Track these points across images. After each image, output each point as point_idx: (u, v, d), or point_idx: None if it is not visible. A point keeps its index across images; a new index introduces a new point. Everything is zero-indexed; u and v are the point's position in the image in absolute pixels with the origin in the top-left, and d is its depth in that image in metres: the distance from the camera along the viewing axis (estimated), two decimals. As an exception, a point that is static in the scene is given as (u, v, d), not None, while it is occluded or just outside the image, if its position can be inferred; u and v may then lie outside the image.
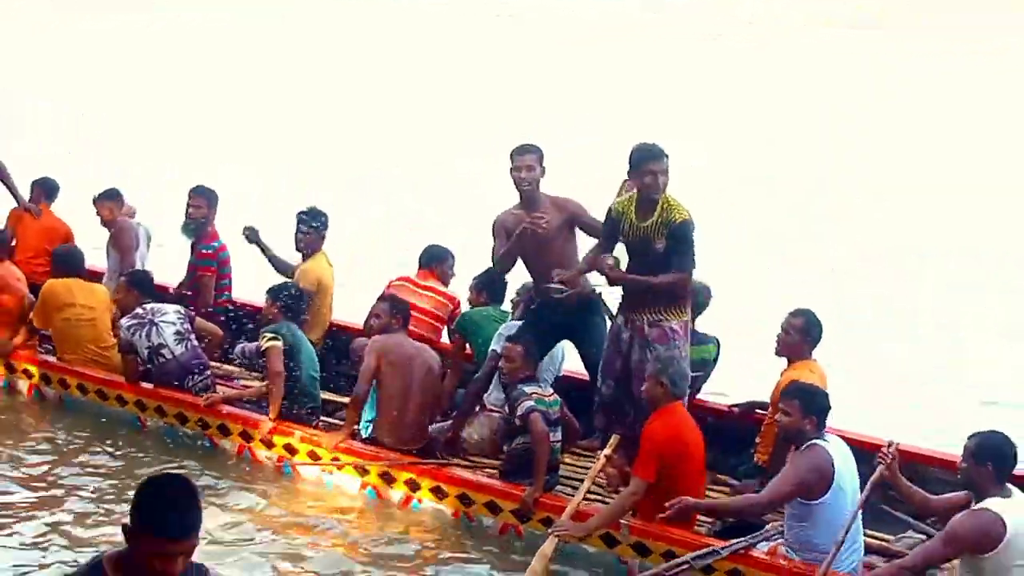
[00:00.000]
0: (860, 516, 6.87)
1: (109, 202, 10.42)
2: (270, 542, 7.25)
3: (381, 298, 8.59)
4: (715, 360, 8.46)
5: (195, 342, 9.22)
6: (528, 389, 7.93)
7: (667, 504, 7.05)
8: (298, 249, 9.45)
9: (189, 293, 9.96)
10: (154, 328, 9.10)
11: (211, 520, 7.13)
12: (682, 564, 7.04)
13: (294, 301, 9.04)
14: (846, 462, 6.92)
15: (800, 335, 7.94)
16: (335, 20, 29.61)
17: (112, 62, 17.65)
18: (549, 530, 7.40)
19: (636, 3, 29.43)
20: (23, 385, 9.62)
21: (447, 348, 8.97)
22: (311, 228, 9.46)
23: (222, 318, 9.61)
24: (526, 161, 8.32)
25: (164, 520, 3.46)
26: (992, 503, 6.28)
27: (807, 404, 7.00)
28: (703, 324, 8.50)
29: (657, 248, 7.91)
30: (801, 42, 29.46)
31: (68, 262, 9.77)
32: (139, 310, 9.16)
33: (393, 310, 8.35)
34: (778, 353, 7.93)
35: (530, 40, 26.43)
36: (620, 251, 8.22)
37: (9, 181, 10.80)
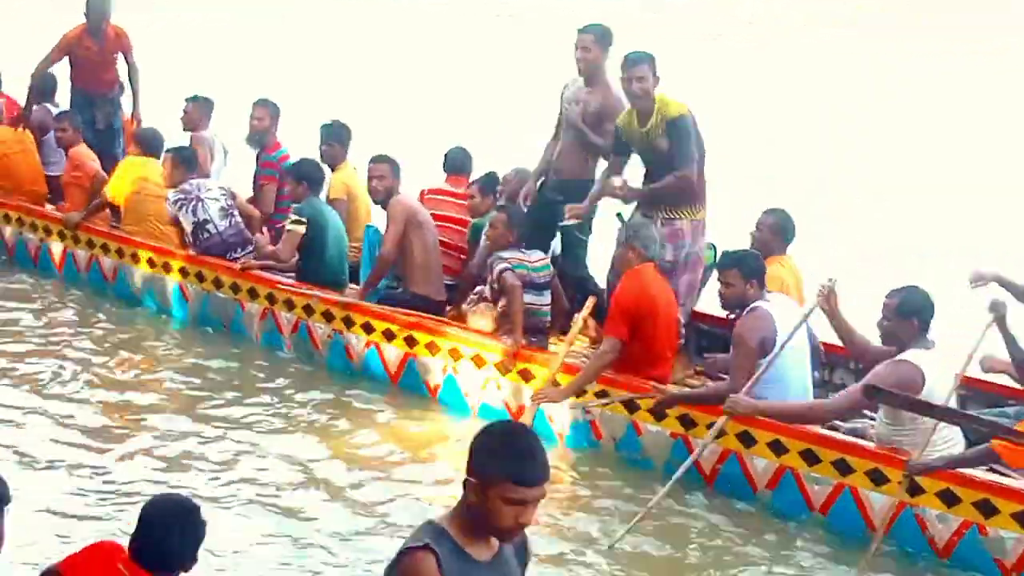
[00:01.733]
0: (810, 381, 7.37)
1: (197, 108, 10.90)
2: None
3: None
4: (712, 265, 8.53)
5: (239, 218, 9.59)
6: (506, 255, 8.31)
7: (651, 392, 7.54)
8: (323, 162, 9.71)
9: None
10: (200, 204, 9.61)
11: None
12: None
13: (312, 170, 9.46)
14: (787, 314, 7.28)
15: (771, 232, 8.32)
16: (334, 20, 29.61)
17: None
18: (530, 398, 7.75)
19: (636, 3, 29.38)
20: (82, 255, 10.40)
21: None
22: (332, 142, 9.81)
23: (281, 224, 9.79)
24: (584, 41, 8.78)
25: (523, 467, 3.39)
26: (911, 354, 6.68)
27: (745, 270, 7.40)
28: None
29: (663, 148, 8.30)
30: (801, 42, 29.42)
31: (149, 142, 10.40)
32: (185, 185, 9.62)
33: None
34: (752, 246, 8.19)
35: (530, 40, 26.47)
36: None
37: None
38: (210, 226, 9.74)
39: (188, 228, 9.77)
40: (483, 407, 8.36)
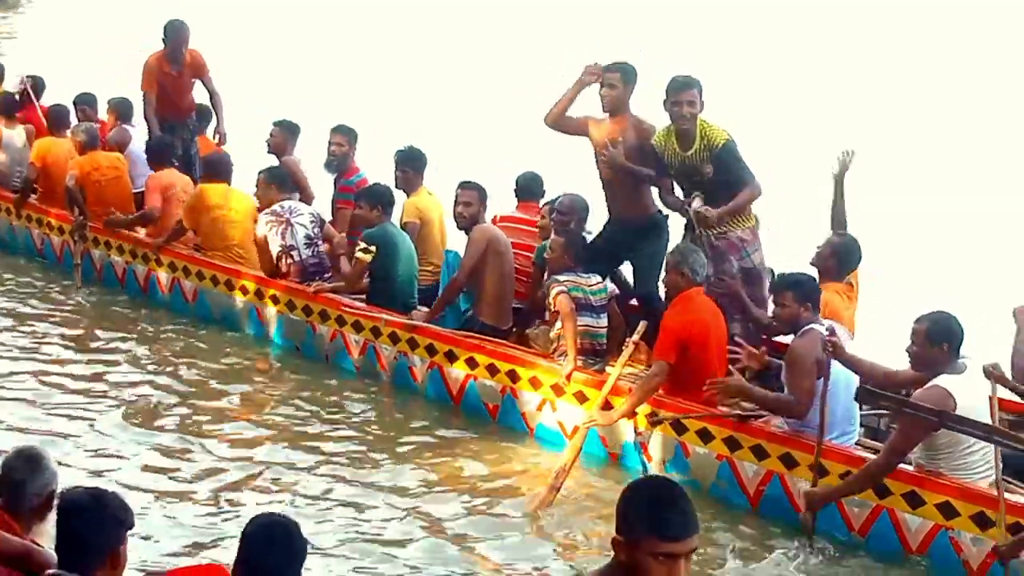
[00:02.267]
0: (854, 400, 7.36)
1: (283, 132, 11.24)
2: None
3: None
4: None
5: (321, 248, 9.96)
6: (562, 278, 8.54)
7: (711, 383, 7.71)
8: (398, 187, 9.94)
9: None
10: (289, 228, 9.87)
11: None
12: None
13: (384, 194, 9.77)
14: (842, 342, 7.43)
15: (831, 255, 8.52)
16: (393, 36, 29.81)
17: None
18: (580, 423, 7.94)
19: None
20: (164, 277, 10.84)
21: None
22: (406, 168, 9.99)
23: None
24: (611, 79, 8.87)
25: (668, 522, 3.37)
26: (942, 380, 6.82)
27: (799, 293, 7.57)
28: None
29: (706, 173, 8.49)
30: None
31: (218, 168, 10.74)
32: (277, 207, 9.86)
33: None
34: (812, 263, 8.51)
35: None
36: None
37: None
38: (294, 253, 10.05)
39: (274, 251, 10.07)
40: (539, 428, 8.63)
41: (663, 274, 8.54)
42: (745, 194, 8.62)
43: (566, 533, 7.37)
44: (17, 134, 12.61)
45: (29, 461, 5.04)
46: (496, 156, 14.59)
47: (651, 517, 3.37)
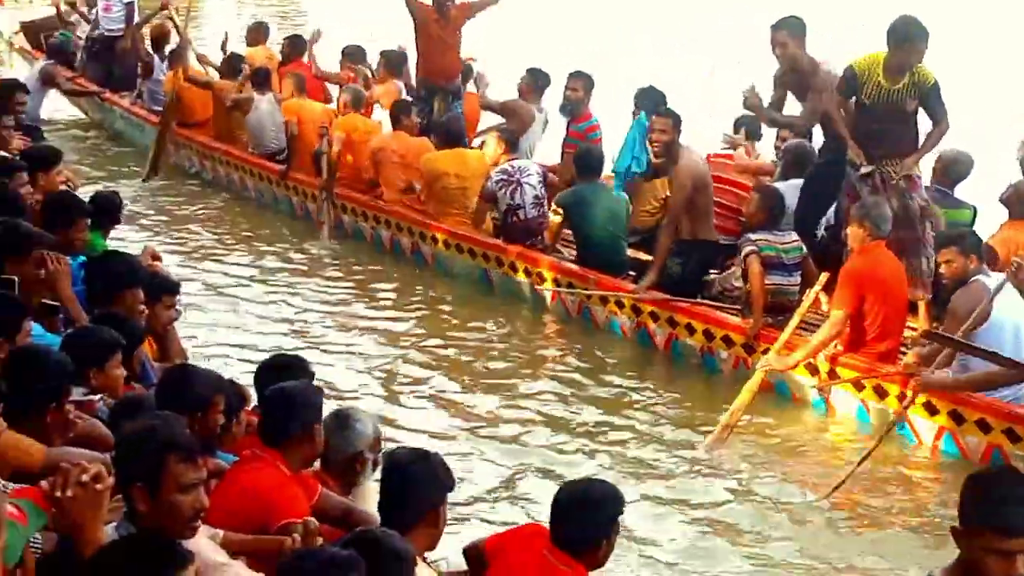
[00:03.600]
0: None
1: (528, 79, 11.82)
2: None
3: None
4: (971, 225, 8.99)
5: (546, 207, 10.41)
6: (755, 236, 8.78)
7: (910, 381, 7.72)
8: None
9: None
10: (519, 188, 10.41)
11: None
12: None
13: (581, 157, 10.35)
14: (1008, 296, 7.52)
15: (1016, 197, 8.77)
16: None
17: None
18: (758, 364, 8.21)
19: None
20: (406, 242, 11.47)
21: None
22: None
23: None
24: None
25: (1005, 516, 3.22)
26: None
27: (963, 246, 7.77)
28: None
29: (908, 109, 8.68)
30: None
31: (448, 134, 11.16)
32: (508, 167, 10.50)
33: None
34: (1000, 200, 8.79)
35: None
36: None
37: None
38: (520, 212, 10.50)
39: (502, 208, 10.58)
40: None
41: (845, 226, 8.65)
42: (937, 134, 8.73)
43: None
44: (267, 99, 12.98)
45: (336, 419, 5.23)
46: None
47: (990, 510, 3.23)
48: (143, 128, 14.78)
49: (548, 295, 10.28)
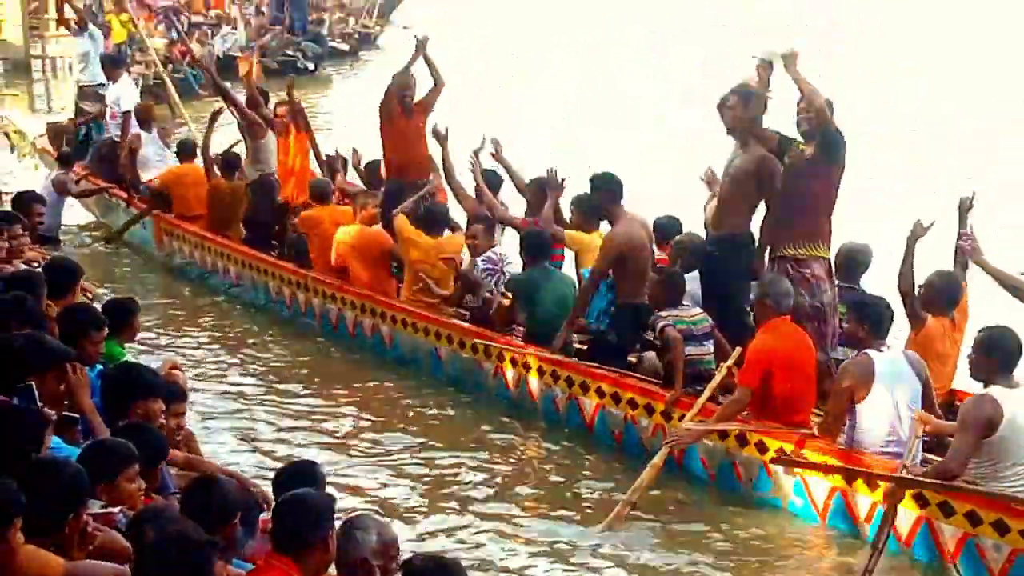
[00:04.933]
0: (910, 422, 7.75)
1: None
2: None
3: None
4: None
5: None
6: (664, 313, 9.06)
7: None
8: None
9: None
10: (502, 277, 10.64)
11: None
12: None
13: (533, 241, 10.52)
14: (893, 367, 7.88)
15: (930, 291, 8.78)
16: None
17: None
18: (664, 441, 8.45)
19: None
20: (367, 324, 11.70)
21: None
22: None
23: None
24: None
25: None
26: (993, 390, 7.07)
27: (860, 314, 8.06)
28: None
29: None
30: None
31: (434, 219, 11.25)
32: (491, 255, 10.67)
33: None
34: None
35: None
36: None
37: None
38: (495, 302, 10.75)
39: (481, 297, 10.76)
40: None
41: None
42: None
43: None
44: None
45: (342, 526, 5.21)
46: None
47: None
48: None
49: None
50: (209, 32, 30.82)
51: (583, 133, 20.91)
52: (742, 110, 9.19)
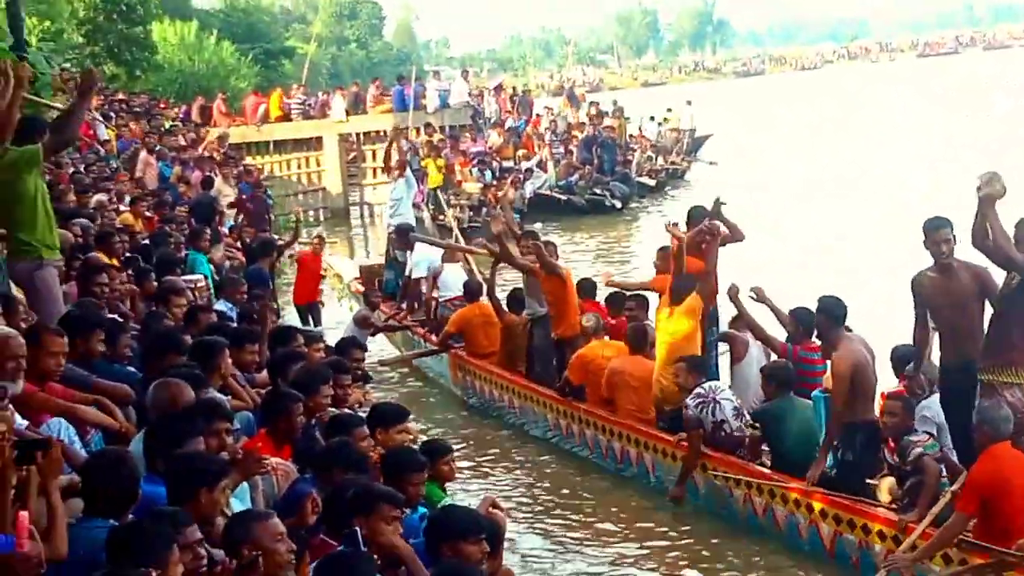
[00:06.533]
0: None
1: None
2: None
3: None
4: None
5: (746, 416, 11.31)
6: (914, 438, 9.51)
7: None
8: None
9: None
10: (717, 406, 11.23)
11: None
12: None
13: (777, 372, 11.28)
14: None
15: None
16: None
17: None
18: (882, 564, 9.00)
19: None
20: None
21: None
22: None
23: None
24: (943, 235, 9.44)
25: None
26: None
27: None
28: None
29: None
30: None
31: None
32: (700, 391, 11.29)
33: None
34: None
35: None
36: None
37: None
38: (726, 426, 11.36)
39: (708, 428, 11.42)
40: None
41: None
42: None
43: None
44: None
45: None
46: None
47: None
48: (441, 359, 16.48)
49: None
50: (521, 176, 32.33)
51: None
52: None
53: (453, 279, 17.26)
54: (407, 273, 17.87)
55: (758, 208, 25.45)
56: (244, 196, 23.36)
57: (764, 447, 11.24)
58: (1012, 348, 9.28)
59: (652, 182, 35.98)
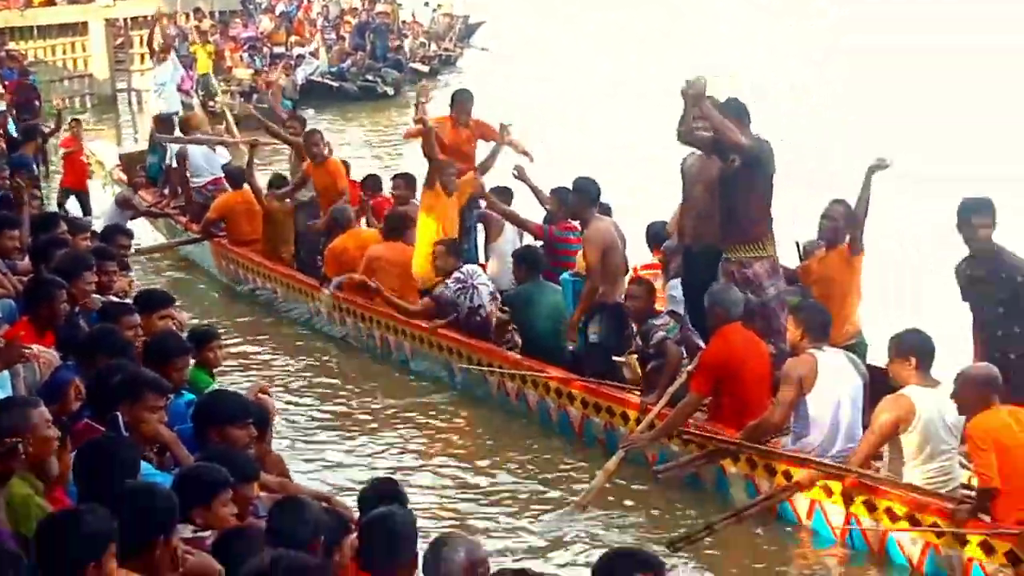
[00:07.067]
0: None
1: None
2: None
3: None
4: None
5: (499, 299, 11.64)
6: (657, 322, 9.92)
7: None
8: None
9: None
10: (475, 291, 11.58)
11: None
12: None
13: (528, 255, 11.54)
14: (836, 362, 8.76)
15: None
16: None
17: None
18: (620, 445, 9.36)
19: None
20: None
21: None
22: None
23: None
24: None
25: None
26: (909, 390, 8.00)
27: (797, 318, 9.01)
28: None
29: None
30: None
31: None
32: (459, 274, 11.55)
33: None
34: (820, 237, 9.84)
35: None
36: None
37: None
38: (482, 310, 11.75)
39: (463, 312, 11.73)
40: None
41: None
42: None
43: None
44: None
45: (430, 547, 5.20)
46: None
47: None
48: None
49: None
50: (293, 62, 32.10)
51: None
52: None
53: (205, 163, 16.85)
54: (167, 160, 17.65)
55: (551, 102, 25.70)
56: (8, 82, 22.79)
57: (512, 327, 11.62)
58: (752, 224, 9.64)
59: (425, 68, 36.03)
